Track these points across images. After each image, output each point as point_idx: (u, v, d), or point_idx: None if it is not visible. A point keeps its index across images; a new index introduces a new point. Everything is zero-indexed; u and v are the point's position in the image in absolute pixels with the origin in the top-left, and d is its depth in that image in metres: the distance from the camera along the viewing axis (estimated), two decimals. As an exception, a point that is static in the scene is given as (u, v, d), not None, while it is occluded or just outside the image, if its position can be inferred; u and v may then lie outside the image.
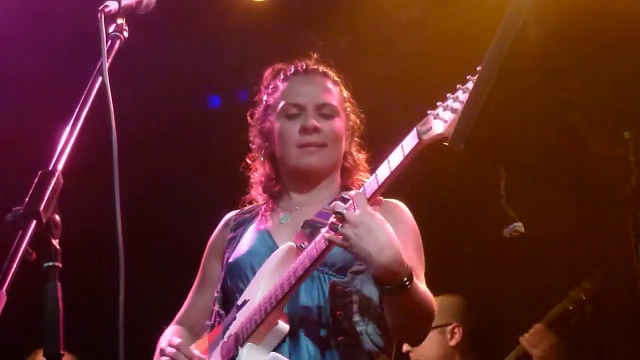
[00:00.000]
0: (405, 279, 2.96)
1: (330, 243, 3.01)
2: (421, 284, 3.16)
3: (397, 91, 5.42)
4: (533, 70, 2.34)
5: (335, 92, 3.52)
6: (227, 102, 6.24)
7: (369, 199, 3.00)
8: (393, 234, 2.96)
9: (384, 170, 2.99)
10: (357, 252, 2.97)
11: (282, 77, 3.56)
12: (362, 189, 3.07)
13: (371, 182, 3.03)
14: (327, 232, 3.01)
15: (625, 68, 2.37)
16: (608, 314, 5.24)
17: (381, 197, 3.09)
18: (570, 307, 5.10)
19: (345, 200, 3.07)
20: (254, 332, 3.18)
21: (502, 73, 2.31)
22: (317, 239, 3.09)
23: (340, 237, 2.95)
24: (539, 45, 2.29)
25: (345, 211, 2.94)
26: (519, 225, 2.65)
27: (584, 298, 5.08)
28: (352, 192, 3.01)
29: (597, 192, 2.59)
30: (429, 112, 2.91)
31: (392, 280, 2.97)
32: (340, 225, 2.94)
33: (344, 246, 2.97)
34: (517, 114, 2.40)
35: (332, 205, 3.01)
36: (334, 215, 2.97)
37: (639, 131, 2.38)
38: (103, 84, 2.59)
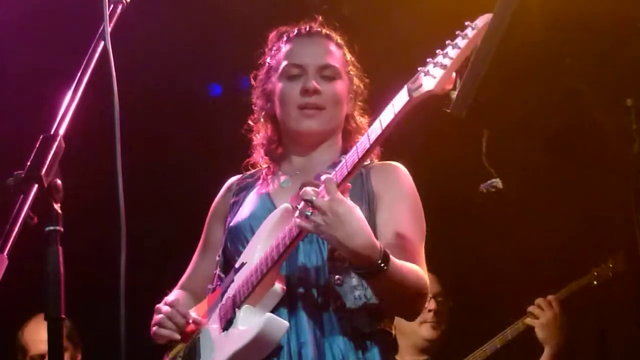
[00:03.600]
0: (379, 261, 2.97)
1: (300, 229, 3.01)
2: (407, 261, 3.12)
3: (400, 54, 5.38)
4: (536, 37, 2.33)
5: (338, 55, 3.51)
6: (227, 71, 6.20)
7: (350, 172, 2.97)
8: (363, 219, 2.96)
9: (376, 129, 2.95)
10: (327, 239, 3.00)
11: (285, 39, 3.55)
12: (342, 161, 3.01)
13: (363, 140, 2.99)
14: (297, 217, 3.00)
15: (629, 37, 2.36)
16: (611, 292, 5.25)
17: (349, 184, 3.06)
18: (595, 282, 5.07)
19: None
20: (250, 293, 3.18)
21: (505, 41, 2.30)
22: (289, 226, 3.08)
23: (311, 224, 2.95)
24: (541, 10, 2.29)
25: (314, 198, 2.93)
26: (496, 181, 2.64)
27: (610, 275, 5.05)
28: (323, 177, 2.97)
29: (599, 160, 2.59)
30: (419, 68, 2.85)
31: (365, 265, 2.98)
32: (310, 212, 2.95)
33: (314, 232, 2.98)
34: (519, 81, 2.40)
35: (302, 191, 2.98)
36: (303, 202, 2.97)
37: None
38: (105, 48, 2.58)
